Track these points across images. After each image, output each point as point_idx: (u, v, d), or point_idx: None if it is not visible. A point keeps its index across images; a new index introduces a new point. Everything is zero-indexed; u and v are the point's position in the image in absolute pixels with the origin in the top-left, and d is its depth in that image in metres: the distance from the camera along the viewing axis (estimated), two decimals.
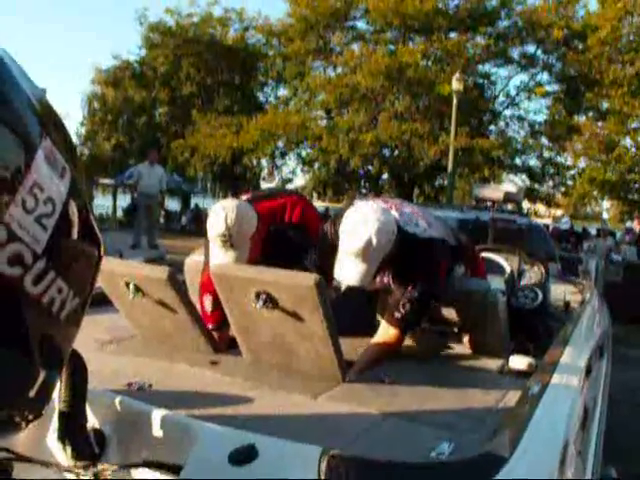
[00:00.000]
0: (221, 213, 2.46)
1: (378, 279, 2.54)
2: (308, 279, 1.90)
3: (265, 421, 1.65)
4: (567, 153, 23.78)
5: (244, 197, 2.78)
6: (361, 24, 24.09)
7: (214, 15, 26.84)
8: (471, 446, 1.45)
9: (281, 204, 2.76)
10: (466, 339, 2.63)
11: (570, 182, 23.88)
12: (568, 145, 23.05)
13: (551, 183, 24.12)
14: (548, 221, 25.85)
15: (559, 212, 28.70)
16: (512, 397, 1.94)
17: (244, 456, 1.24)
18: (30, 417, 1.02)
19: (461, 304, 2.53)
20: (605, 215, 36.29)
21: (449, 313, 2.58)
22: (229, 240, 2.43)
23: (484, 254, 3.56)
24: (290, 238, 2.70)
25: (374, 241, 2.25)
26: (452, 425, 1.73)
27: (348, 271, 2.33)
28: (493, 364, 2.43)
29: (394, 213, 2.46)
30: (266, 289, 1.99)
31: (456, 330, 2.63)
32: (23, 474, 1.29)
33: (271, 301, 1.99)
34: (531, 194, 23.25)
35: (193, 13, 26.49)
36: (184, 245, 13.43)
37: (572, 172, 24.01)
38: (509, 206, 8.84)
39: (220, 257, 2.46)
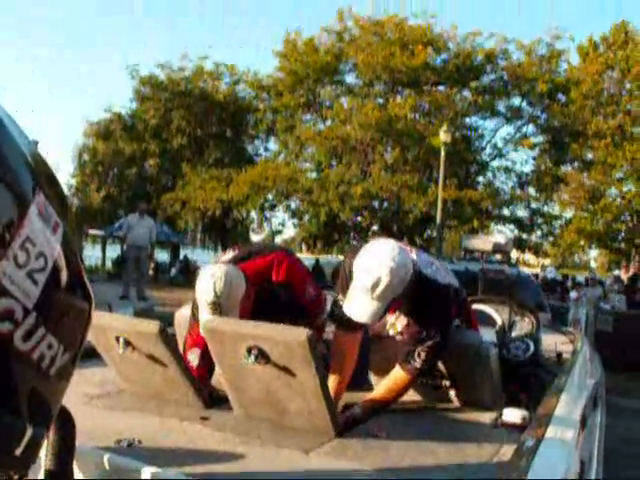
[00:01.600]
0: (210, 280, 2.46)
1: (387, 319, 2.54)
2: (300, 334, 1.88)
3: (255, 477, 1.61)
4: (554, 203, 24.07)
5: (230, 255, 2.79)
6: (350, 78, 24.52)
7: (205, 69, 27.24)
8: None
9: (267, 263, 2.74)
10: (459, 392, 2.60)
11: (558, 231, 24.10)
12: (555, 195, 23.35)
13: (539, 233, 24.28)
14: (537, 270, 25.98)
15: (547, 261, 28.86)
16: (506, 451, 1.91)
17: None
18: (15, 477, 0.99)
19: (454, 356, 2.51)
20: (593, 264, 36.49)
21: (442, 366, 2.56)
22: (219, 308, 2.43)
23: (475, 305, 3.54)
24: (278, 296, 2.70)
25: (386, 280, 2.20)
26: None
27: (357, 307, 2.30)
28: (487, 417, 2.40)
29: (412, 255, 2.43)
30: (258, 344, 1.96)
31: (449, 383, 2.59)
32: None
33: (263, 356, 1.97)
34: (520, 244, 23.40)
35: (184, 67, 26.91)
36: (173, 297, 13.33)
37: (560, 222, 24.26)
38: (498, 256, 8.92)
39: None
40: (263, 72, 30.13)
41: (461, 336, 2.56)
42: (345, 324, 2.55)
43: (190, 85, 26.77)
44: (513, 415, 2.29)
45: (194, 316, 2.73)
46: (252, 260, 2.74)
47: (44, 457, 1.25)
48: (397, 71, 21.80)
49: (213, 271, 2.52)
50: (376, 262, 2.25)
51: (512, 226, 23.78)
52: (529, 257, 26.85)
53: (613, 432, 5.79)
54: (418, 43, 21.83)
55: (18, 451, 0.93)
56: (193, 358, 2.57)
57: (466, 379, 2.54)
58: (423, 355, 2.36)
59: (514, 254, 24.42)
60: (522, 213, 23.87)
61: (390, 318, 2.55)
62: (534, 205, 23.84)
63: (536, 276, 21.68)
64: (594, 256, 34.91)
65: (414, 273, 2.33)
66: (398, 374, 2.41)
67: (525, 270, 13.96)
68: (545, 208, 24.14)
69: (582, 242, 23.35)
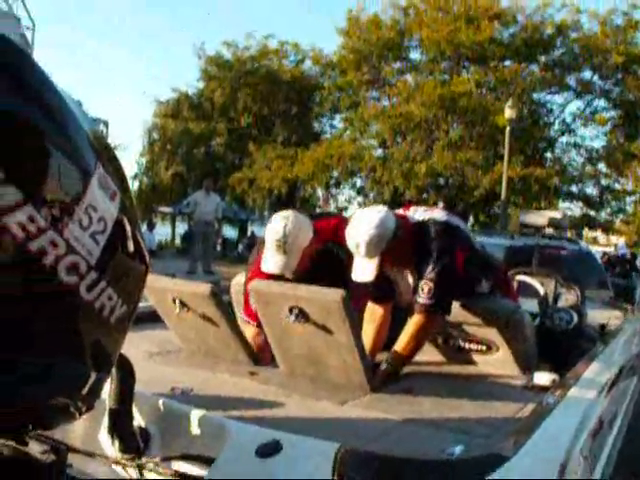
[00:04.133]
0: (281, 221, 2.68)
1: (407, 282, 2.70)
2: (335, 294, 2.06)
3: (292, 423, 1.80)
4: (627, 179, 23.28)
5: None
6: (415, 54, 24.23)
7: (270, 48, 27.39)
8: (481, 449, 1.56)
9: (335, 223, 2.94)
10: (494, 356, 2.72)
11: (631, 209, 23.38)
12: (628, 171, 22.60)
13: (609, 210, 23.58)
14: (609, 249, 25.26)
15: (621, 240, 28.03)
16: (530, 408, 2.03)
17: (269, 450, 1.40)
18: (83, 409, 1.18)
19: (490, 322, 2.63)
20: None
21: (479, 330, 2.68)
22: (283, 246, 2.63)
23: (520, 277, 3.64)
24: (340, 258, 2.86)
25: (365, 238, 2.43)
26: (467, 431, 1.85)
27: (354, 270, 2.51)
28: (518, 380, 2.53)
29: (402, 212, 2.68)
30: (298, 304, 2.15)
31: (485, 348, 2.72)
32: (77, 464, 1.46)
33: (303, 315, 2.16)
34: (589, 221, 22.84)
35: (249, 46, 27.12)
36: (239, 272, 13.56)
37: (633, 198, 23.51)
38: (568, 233, 8.81)
39: (271, 260, 2.66)
40: (328, 50, 30.08)
41: (498, 303, 2.68)
42: (376, 295, 2.76)
43: (256, 64, 26.98)
44: (543, 378, 2.41)
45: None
46: (323, 219, 2.95)
47: (108, 399, 1.46)
48: (462, 46, 21.44)
49: (286, 214, 2.73)
50: (354, 229, 2.49)
51: (580, 203, 23.21)
52: (598, 235, 26.13)
53: None
54: (484, 17, 21.40)
55: (84, 392, 1.10)
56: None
57: (501, 343, 2.66)
58: (426, 289, 2.47)
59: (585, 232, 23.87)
60: (591, 190, 23.25)
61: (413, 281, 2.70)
62: (604, 182, 23.17)
63: (605, 254, 21.16)
64: None
65: (403, 226, 2.54)
66: (412, 318, 2.54)
67: (591, 247, 13.67)
68: (616, 185, 23.41)
69: None
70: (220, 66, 27.02)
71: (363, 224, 2.48)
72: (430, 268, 2.50)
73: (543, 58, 22.68)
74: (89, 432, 1.64)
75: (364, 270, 2.49)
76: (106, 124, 24.22)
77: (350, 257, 2.83)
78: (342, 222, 2.93)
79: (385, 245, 2.47)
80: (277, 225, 2.67)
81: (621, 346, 3.16)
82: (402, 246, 2.54)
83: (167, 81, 68.09)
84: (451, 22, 21.45)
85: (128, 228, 1.14)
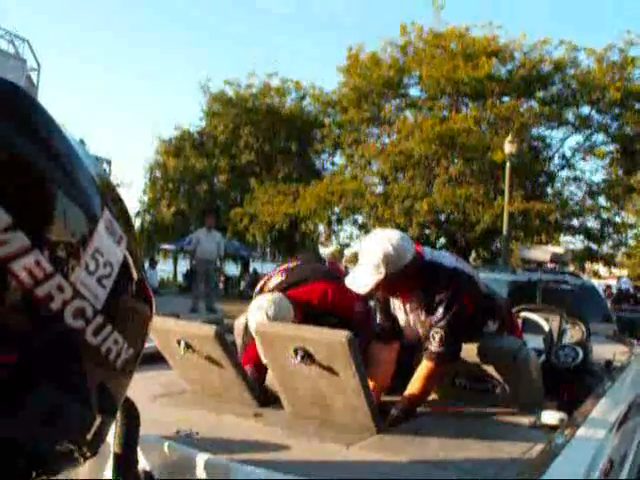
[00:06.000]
0: (261, 310, 2.71)
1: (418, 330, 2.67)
2: (340, 336, 2.05)
3: (299, 465, 1.78)
4: (627, 212, 23.34)
5: (277, 281, 3.00)
6: (414, 91, 24.42)
7: (272, 85, 27.71)
8: None
9: (309, 292, 2.92)
10: (500, 394, 2.69)
11: (632, 242, 23.37)
12: (628, 204, 22.67)
13: (611, 243, 23.56)
14: (612, 282, 25.18)
15: (624, 273, 28.02)
16: (538, 448, 2.00)
17: None
18: (87, 454, 1.16)
19: (495, 360, 2.61)
20: None
21: (484, 369, 2.66)
22: None
23: (525, 314, 3.63)
24: (325, 322, 2.86)
25: (380, 254, 2.42)
26: (475, 472, 1.83)
27: (354, 279, 2.50)
28: (525, 419, 2.50)
29: (419, 248, 2.62)
30: (303, 345, 2.14)
31: (491, 386, 2.70)
32: None
33: (308, 357, 2.14)
34: (590, 255, 22.82)
35: (251, 84, 27.43)
36: (242, 309, 13.49)
37: (634, 231, 23.53)
38: (571, 267, 8.80)
39: None
40: (328, 87, 30.39)
41: (502, 341, 2.67)
42: (381, 335, 2.74)
43: (257, 101, 27.24)
44: (551, 417, 2.38)
45: (246, 335, 2.95)
46: (298, 287, 2.93)
47: (112, 443, 1.44)
48: (461, 83, 21.64)
49: (262, 302, 2.76)
50: (373, 242, 2.48)
51: (581, 237, 23.20)
52: (600, 268, 26.08)
53: None
54: (483, 55, 21.64)
55: (89, 436, 1.09)
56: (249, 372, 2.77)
57: (506, 382, 2.64)
58: (437, 337, 2.45)
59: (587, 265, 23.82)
60: (592, 224, 23.25)
61: (417, 324, 2.68)
62: (604, 215, 23.19)
63: (608, 287, 21.11)
64: None
65: (417, 260, 2.51)
66: (422, 365, 2.52)
67: (594, 281, 13.64)
68: (617, 218, 23.44)
69: None
70: (223, 103, 27.28)
71: (386, 239, 2.46)
72: (441, 316, 2.49)
73: (541, 94, 22.88)
74: (94, 475, 1.62)
75: (361, 281, 2.48)
76: (109, 163, 24.40)
77: (341, 318, 2.83)
78: (318, 289, 2.92)
79: (395, 269, 2.45)
80: (258, 316, 2.71)
81: (629, 382, 3.14)
82: (408, 280, 2.53)
83: (170, 118, 68.64)
84: (450, 59, 21.66)
85: (134, 271, 1.14)
